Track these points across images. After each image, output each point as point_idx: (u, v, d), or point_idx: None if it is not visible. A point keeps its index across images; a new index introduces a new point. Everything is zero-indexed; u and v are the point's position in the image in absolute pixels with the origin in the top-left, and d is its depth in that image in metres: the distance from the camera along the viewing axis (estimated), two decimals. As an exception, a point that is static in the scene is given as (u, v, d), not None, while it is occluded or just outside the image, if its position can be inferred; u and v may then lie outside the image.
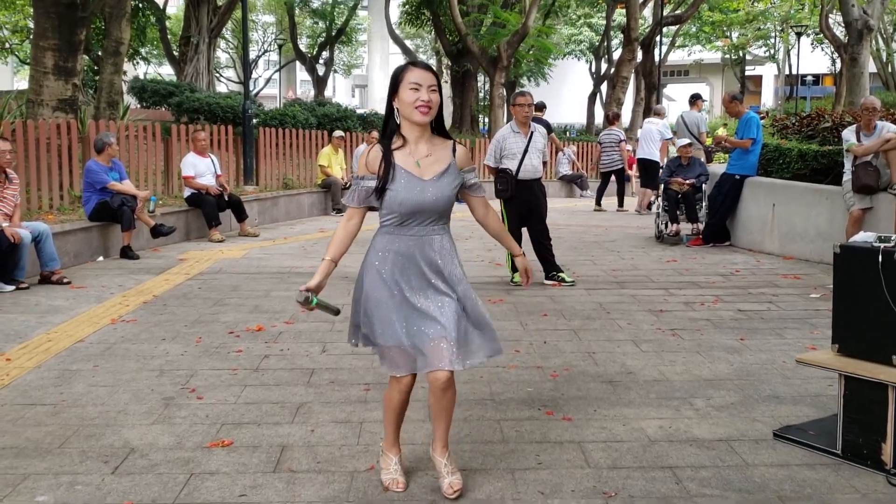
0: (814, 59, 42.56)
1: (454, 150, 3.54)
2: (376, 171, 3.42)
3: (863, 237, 4.04)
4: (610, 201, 17.06)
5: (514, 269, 8.39)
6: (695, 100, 15.09)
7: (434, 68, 3.85)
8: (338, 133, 15.96)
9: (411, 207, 3.39)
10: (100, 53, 19.17)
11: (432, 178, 3.43)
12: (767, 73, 53.67)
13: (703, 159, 12.97)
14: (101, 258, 9.52)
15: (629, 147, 23.01)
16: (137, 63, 35.68)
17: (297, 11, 37.94)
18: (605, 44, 37.57)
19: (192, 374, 5.18)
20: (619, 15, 34.98)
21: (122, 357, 5.55)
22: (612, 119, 17.91)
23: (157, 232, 10.13)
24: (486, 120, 29.07)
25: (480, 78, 33.54)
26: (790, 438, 4.14)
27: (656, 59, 28.46)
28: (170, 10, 35.15)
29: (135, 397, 4.72)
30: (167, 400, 4.68)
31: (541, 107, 17.50)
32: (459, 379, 5.08)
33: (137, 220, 9.76)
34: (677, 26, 32.89)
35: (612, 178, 16.99)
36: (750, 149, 10.68)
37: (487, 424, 4.34)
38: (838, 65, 32.54)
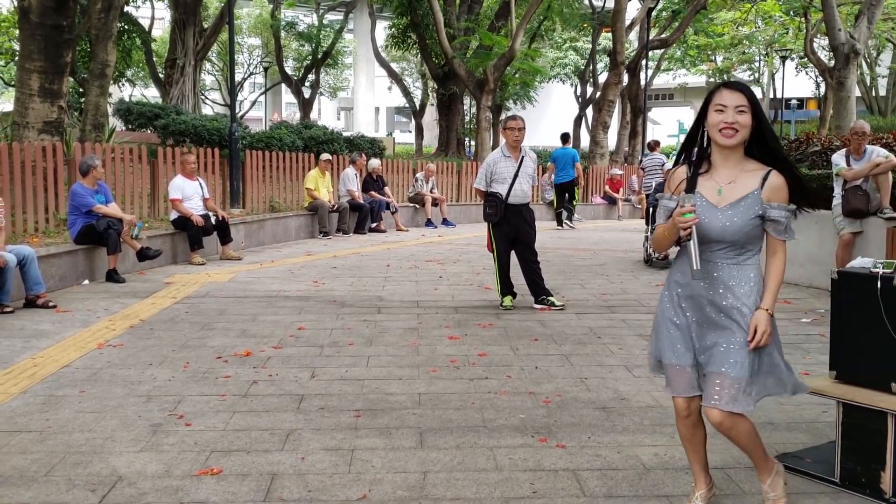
0: (798, 83, 42.93)
1: (765, 179, 3.26)
2: (674, 191, 3.37)
3: (860, 263, 4.01)
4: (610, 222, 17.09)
5: (503, 293, 8.35)
6: None
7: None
8: (325, 156, 15.93)
9: (700, 235, 3.22)
10: (85, 76, 19.09)
11: (726, 206, 3.24)
12: (751, 96, 54.04)
13: None
14: (86, 282, 9.42)
15: (619, 171, 23.31)
16: (123, 85, 35.67)
17: (283, 34, 37.99)
18: (591, 67, 37.78)
19: (180, 400, 5.10)
20: (605, 39, 35.25)
21: (108, 382, 5.46)
22: (653, 146, 19.09)
23: (143, 255, 10.05)
24: (473, 143, 29.13)
25: (467, 101, 33.65)
26: (787, 466, 4.08)
27: (642, 82, 28.64)
28: (155, 33, 35.05)
29: (122, 424, 4.64)
30: (155, 427, 4.60)
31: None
32: (451, 405, 5.05)
33: (123, 243, 9.69)
34: (663, 50, 33.14)
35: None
36: None
37: (481, 452, 4.28)
38: (822, 89, 32.84)
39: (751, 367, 3.23)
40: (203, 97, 38.71)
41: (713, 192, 3.27)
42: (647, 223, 12.10)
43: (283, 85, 43.24)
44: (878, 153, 8.92)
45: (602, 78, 31.49)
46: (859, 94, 31.60)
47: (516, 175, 8.21)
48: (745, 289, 3.26)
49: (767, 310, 3.23)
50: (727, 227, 3.22)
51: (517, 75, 29.22)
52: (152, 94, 42.71)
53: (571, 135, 23.00)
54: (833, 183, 9.25)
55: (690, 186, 3.30)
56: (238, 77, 41.08)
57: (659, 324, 3.45)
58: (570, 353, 6.45)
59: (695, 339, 3.35)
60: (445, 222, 18.43)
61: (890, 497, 3.68)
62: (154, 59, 31.01)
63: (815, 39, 27.91)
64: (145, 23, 30.14)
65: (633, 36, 30.81)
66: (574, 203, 19.09)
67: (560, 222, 18.50)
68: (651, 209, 11.85)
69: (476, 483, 3.89)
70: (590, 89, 38.57)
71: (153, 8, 33.79)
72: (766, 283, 3.29)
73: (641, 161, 18.21)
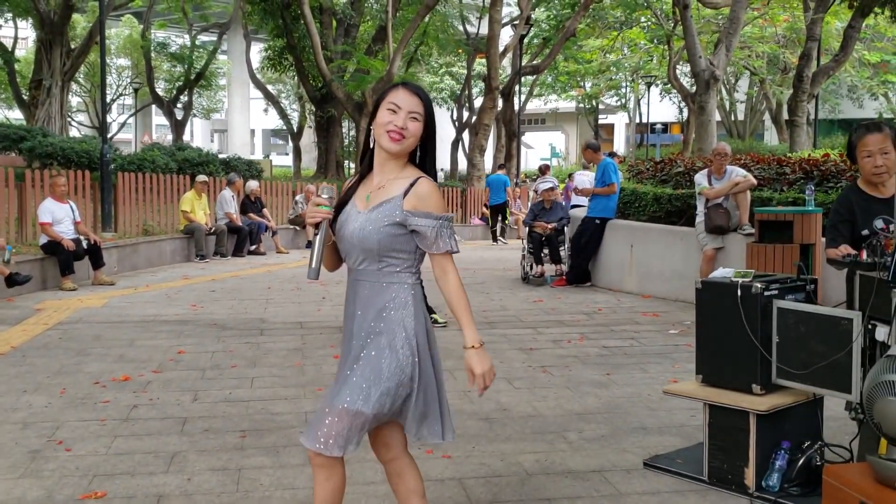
0: (662, 109, 44.76)
1: (412, 185, 2.84)
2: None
3: (721, 273, 4.29)
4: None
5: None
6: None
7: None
8: (201, 178, 15.68)
9: (343, 242, 2.91)
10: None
11: (365, 210, 2.85)
12: (619, 121, 55.88)
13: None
14: (-52, 309, 9.00)
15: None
16: (-18, 107, 34.05)
17: (153, 55, 37.12)
18: (467, 92, 38.39)
19: (59, 425, 4.96)
20: (480, 64, 35.89)
21: (-22, 412, 5.26)
22: (543, 170, 20.12)
23: (12, 281, 9.67)
24: (353, 165, 29.13)
25: (345, 123, 33.65)
26: (660, 467, 4.32)
27: (516, 107, 29.32)
28: (18, 53, 33.69)
29: (-4, 453, 4.49)
30: (33, 453, 4.47)
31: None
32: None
33: (-11, 268, 9.30)
34: (535, 76, 34.00)
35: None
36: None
37: (369, 466, 4.33)
38: (685, 113, 34.35)
39: (369, 399, 2.81)
40: (70, 119, 37.41)
41: (363, 197, 2.91)
42: (524, 243, 12.44)
43: (154, 106, 42.17)
44: (737, 173, 9.46)
45: (478, 102, 32.07)
46: (719, 119, 33.20)
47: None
48: (386, 310, 2.85)
49: (474, 346, 2.85)
50: (359, 232, 2.83)
51: (395, 99, 29.41)
52: (15, 116, 40.93)
53: (504, 163, 26.30)
54: (696, 201, 9.75)
55: (350, 193, 2.96)
56: (107, 98, 39.84)
57: None
58: (453, 367, 6.56)
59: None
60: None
61: (753, 491, 3.95)
62: (17, 79, 29.80)
63: (677, 66, 29.20)
64: (8, 42, 28.95)
65: (507, 62, 31.54)
66: (506, 222, 21.85)
67: (495, 238, 21.09)
68: (528, 228, 12.21)
69: (365, 495, 3.96)
70: (466, 113, 39.17)
71: (16, 28, 32.53)
72: (455, 315, 2.88)
73: (521, 183, 19.19)
